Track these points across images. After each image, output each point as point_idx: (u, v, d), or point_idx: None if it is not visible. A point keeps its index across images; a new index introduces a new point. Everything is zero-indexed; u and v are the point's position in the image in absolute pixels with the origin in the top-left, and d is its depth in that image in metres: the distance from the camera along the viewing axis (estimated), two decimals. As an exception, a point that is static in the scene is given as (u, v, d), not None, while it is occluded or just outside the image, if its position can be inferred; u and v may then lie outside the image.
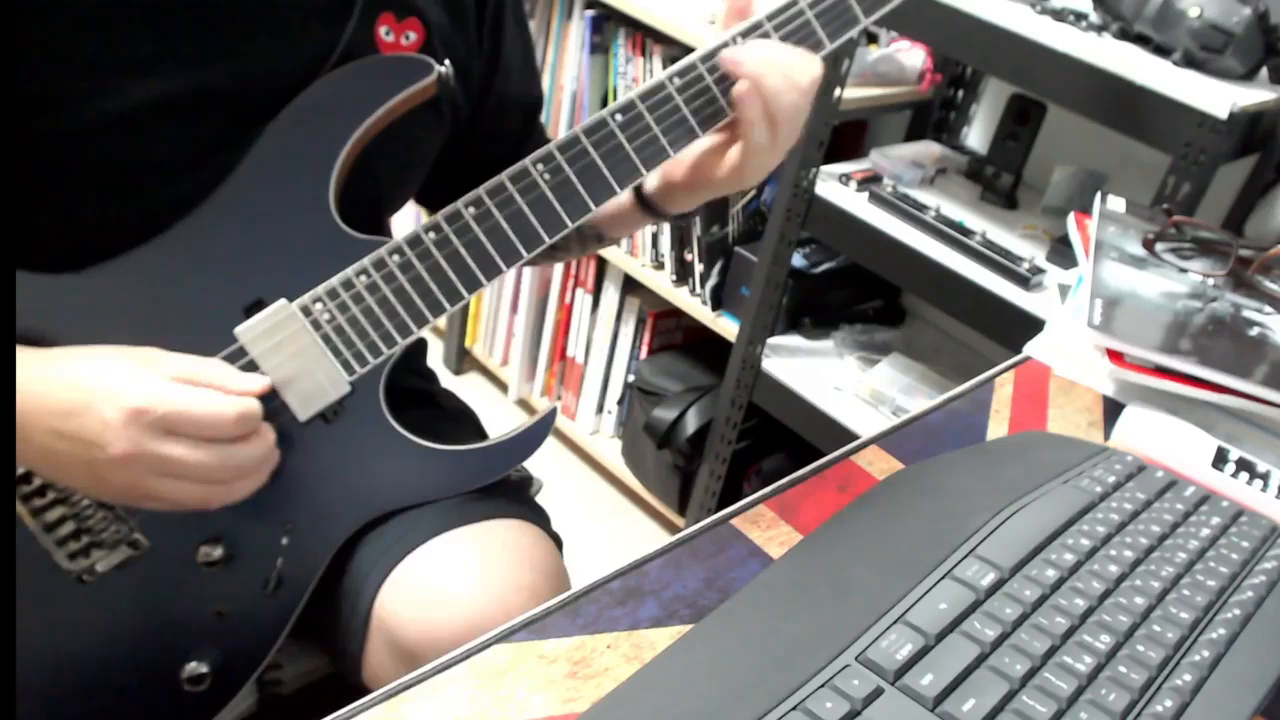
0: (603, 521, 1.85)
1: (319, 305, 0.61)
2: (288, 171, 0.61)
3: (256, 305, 0.61)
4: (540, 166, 0.63)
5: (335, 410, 0.64)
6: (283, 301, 0.61)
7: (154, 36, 0.57)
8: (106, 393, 0.53)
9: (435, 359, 2.11)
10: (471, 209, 0.62)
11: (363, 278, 0.62)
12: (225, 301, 0.61)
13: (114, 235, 0.59)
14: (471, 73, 0.73)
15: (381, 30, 0.65)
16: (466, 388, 2.09)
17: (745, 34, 0.63)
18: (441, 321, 2.10)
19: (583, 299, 1.86)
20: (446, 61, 0.64)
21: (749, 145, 0.63)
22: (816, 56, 0.62)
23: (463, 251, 0.63)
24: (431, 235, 0.62)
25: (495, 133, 0.80)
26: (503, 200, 0.63)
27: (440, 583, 0.65)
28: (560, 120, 1.79)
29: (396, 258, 0.62)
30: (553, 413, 0.69)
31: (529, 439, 0.69)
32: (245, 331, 0.60)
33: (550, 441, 1.99)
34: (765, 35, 0.63)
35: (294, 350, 0.61)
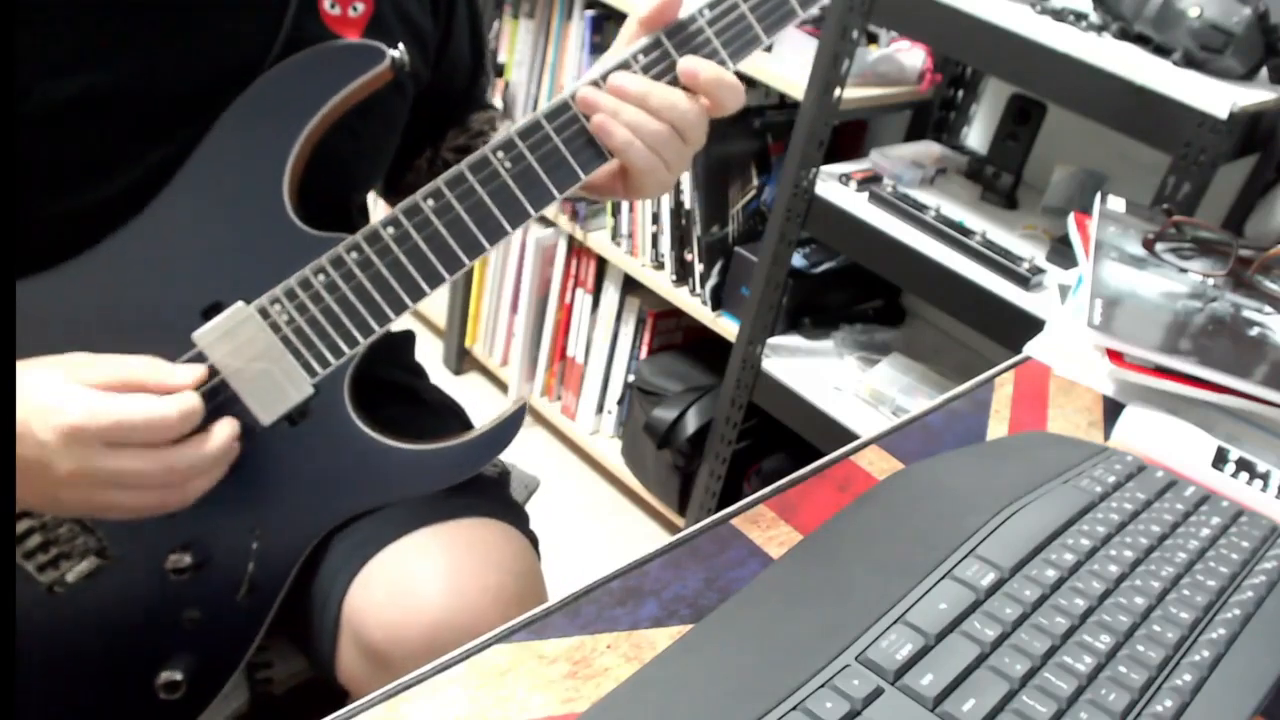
0: (603, 521, 1.85)
1: (277, 307, 0.60)
2: (240, 169, 0.60)
3: (214, 308, 0.60)
4: (501, 154, 0.60)
5: (300, 412, 0.62)
6: (240, 304, 0.60)
7: (93, 23, 0.55)
8: (37, 411, 0.51)
9: (435, 359, 2.11)
10: (431, 201, 0.60)
11: (321, 277, 0.60)
12: (182, 305, 0.60)
13: (50, 232, 0.57)
14: (426, 39, 0.71)
15: (325, 3, 0.63)
16: (466, 388, 2.09)
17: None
18: (441, 322, 2.10)
19: (583, 299, 1.86)
20: (400, 46, 0.62)
21: (626, 161, 0.61)
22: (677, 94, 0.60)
23: (423, 246, 0.61)
24: (390, 230, 0.60)
25: (443, 94, 0.78)
26: (463, 192, 0.60)
27: (405, 583, 0.64)
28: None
29: (355, 255, 0.60)
30: (522, 408, 0.67)
31: (500, 434, 0.67)
32: (203, 336, 0.59)
33: (550, 441, 1.99)
34: (735, 6, 0.60)
35: (254, 353, 0.60)
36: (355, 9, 0.64)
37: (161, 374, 0.56)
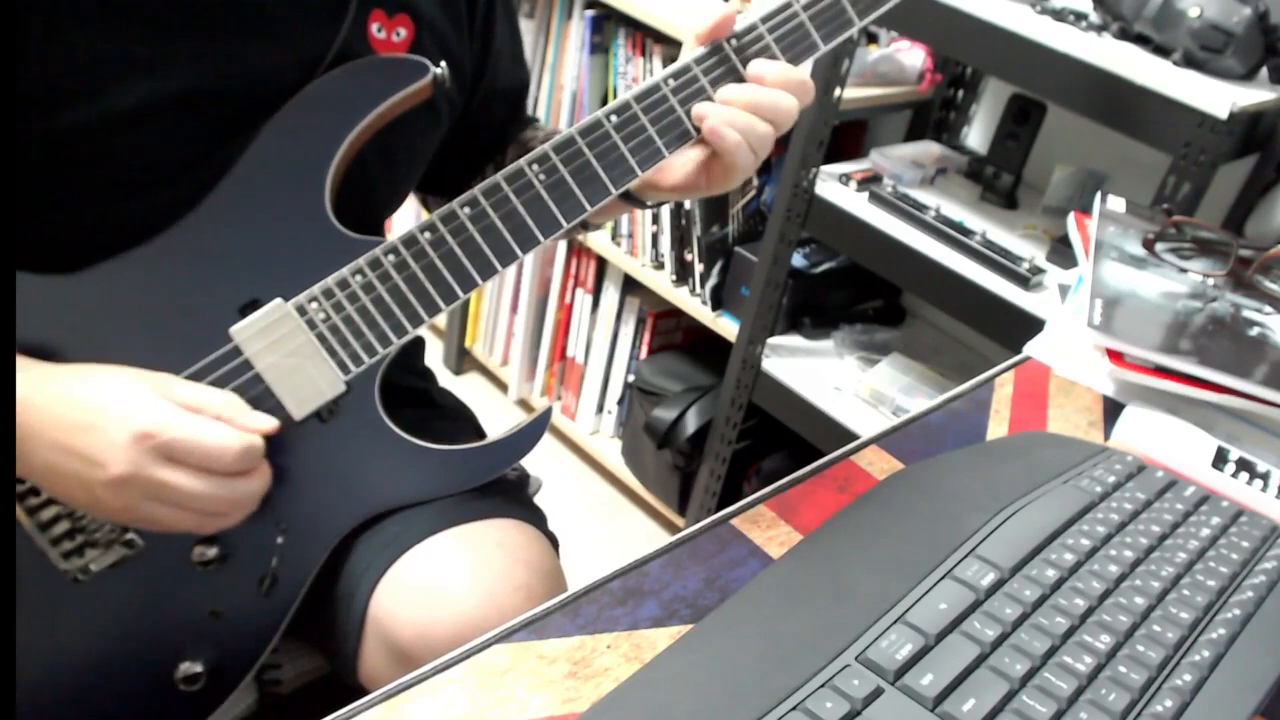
0: (603, 521, 1.85)
1: (314, 305, 0.61)
2: (284, 172, 0.61)
3: (252, 305, 0.61)
4: (535, 167, 0.62)
5: (330, 409, 0.63)
6: (278, 301, 0.61)
7: (149, 37, 0.57)
8: (118, 414, 0.54)
9: (435, 359, 2.11)
10: (467, 209, 0.62)
11: (358, 277, 0.62)
12: (221, 301, 0.61)
13: (108, 237, 0.59)
14: (464, 66, 0.73)
15: (374, 27, 0.65)
16: (466, 388, 2.09)
17: (740, 37, 0.63)
18: (441, 321, 2.10)
19: (583, 299, 1.86)
20: (443, 63, 0.64)
21: (729, 161, 0.64)
22: (788, 97, 0.63)
23: (458, 251, 0.63)
24: (427, 235, 0.62)
25: (484, 122, 0.80)
26: (498, 200, 0.62)
27: (435, 582, 0.65)
28: (560, 120, 1.79)
29: (392, 257, 0.62)
30: (548, 412, 0.69)
31: (525, 438, 0.69)
32: (240, 331, 0.60)
33: (550, 441, 1.99)
34: (760, 39, 0.64)
35: (289, 350, 0.61)
36: (398, 34, 0.67)
37: (236, 411, 0.58)
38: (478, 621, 0.63)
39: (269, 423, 0.59)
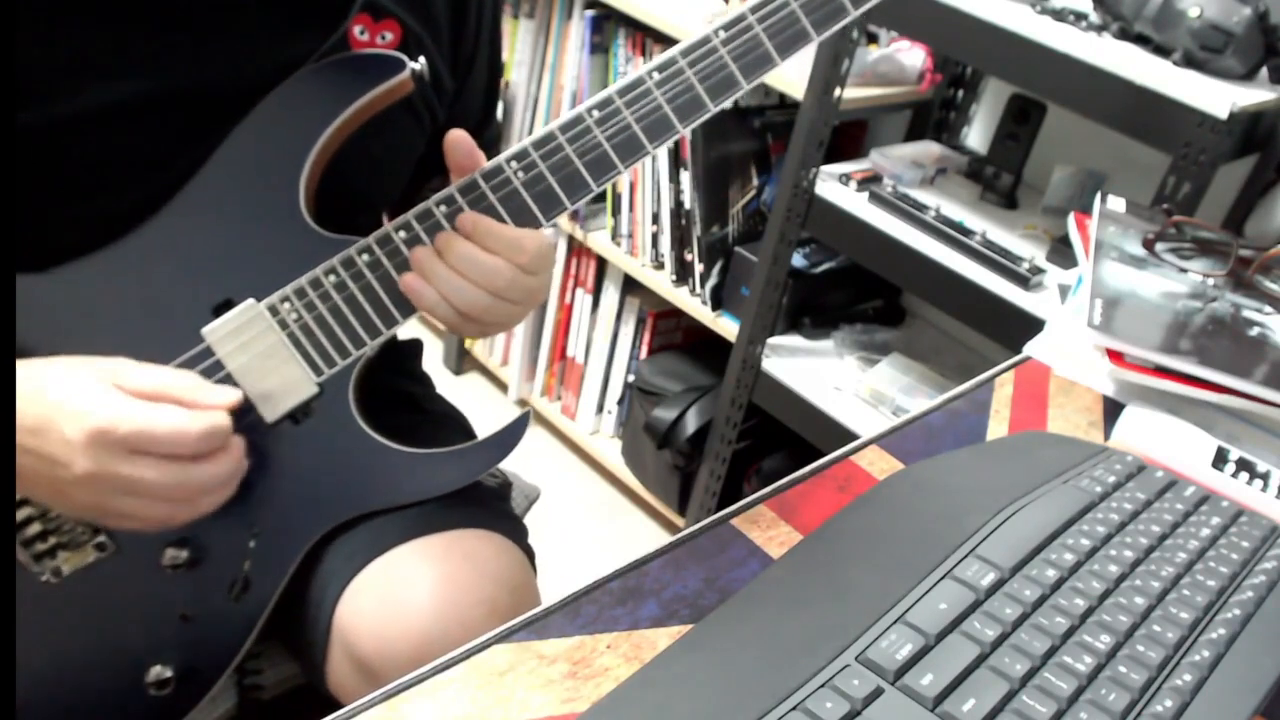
0: (603, 521, 1.85)
1: (286, 305, 0.60)
2: (258, 170, 0.60)
3: (225, 305, 0.60)
4: (514, 164, 0.61)
5: (304, 412, 0.62)
6: (250, 301, 0.60)
7: (122, 37, 0.56)
8: (70, 412, 0.52)
9: (435, 359, 2.11)
10: (443, 207, 0.61)
11: (331, 277, 0.61)
12: (193, 301, 0.60)
13: (79, 235, 0.58)
14: (444, 82, 0.73)
15: (356, 30, 0.64)
16: (466, 388, 2.09)
17: (727, 27, 0.61)
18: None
19: (583, 299, 1.86)
20: (421, 59, 0.63)
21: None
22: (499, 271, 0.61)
23: None
24: (401, 234, 0.61)
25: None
26: (474, 198, 0.61)
27: (397, 594, 0.64)
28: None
29: (365, 257, 0.61)
30: (525, 417, 0.67)
31: (500, 444, 0.67)
32: (212, 331, 0.60)
33: (550, 441, 1.99)
34: (749, 27, 0.60)
35: (261, 350, 0.60)
36: (383, 37, 0.66)
37: (195, 390, 0.57)
38: (439, 635, 0.61)
39: (230, 396, 0.58)
